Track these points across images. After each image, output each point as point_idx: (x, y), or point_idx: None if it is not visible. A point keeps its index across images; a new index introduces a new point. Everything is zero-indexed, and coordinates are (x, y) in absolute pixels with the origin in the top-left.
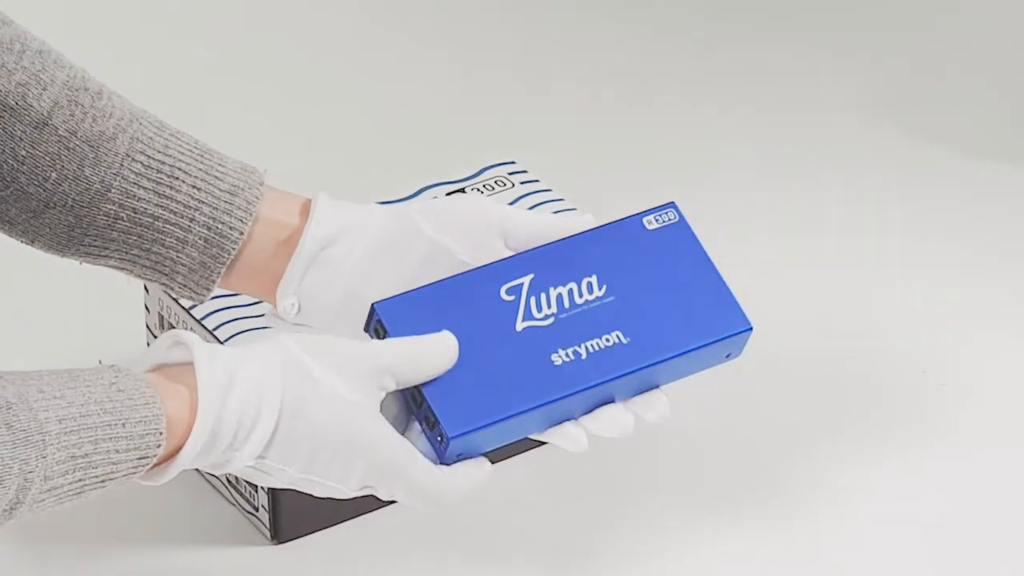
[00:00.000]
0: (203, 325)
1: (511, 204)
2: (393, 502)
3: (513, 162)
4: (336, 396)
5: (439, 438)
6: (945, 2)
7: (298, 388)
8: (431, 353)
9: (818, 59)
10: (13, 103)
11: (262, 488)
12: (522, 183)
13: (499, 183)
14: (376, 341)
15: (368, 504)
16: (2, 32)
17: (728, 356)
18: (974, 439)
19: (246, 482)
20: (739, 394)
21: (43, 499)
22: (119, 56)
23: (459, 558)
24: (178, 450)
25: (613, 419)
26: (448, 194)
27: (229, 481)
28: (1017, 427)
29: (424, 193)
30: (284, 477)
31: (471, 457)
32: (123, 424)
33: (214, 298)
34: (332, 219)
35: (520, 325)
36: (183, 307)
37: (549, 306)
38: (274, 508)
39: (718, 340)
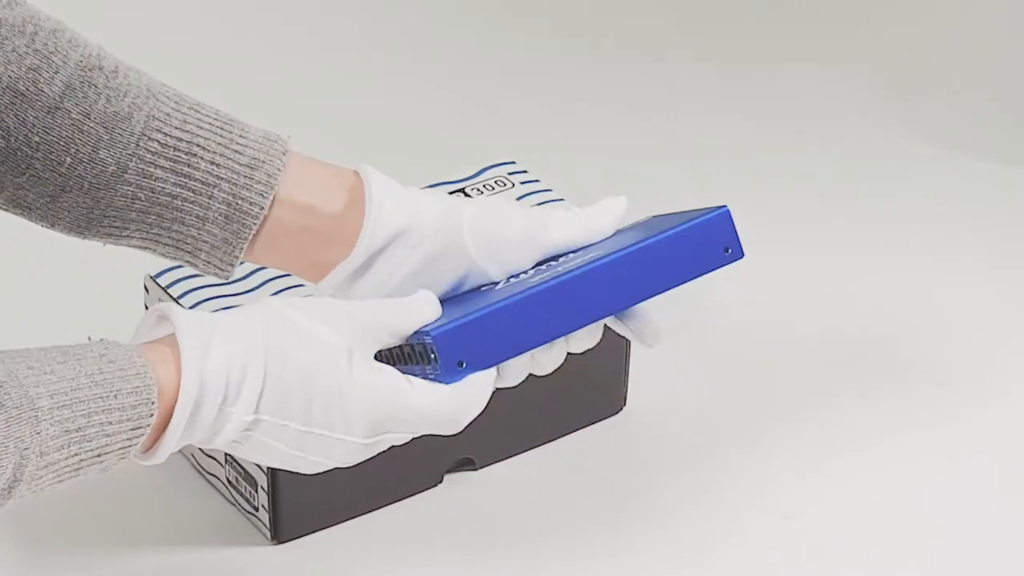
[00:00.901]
0: None
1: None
2: (393, 501)
3: (513, 162)
4: (321, 340)
5: (432, 355)
6: (947, 3)
7: (281, 335)
8: (417, 303)
9: (818, 59)
10: (24, 89)
11: (262, 488)
12: (522, 183)
13: (499, 183)
14: (363, 300)
15: (368, 504)
16: (14, 13)
17: (728, 251)
18: (974, 440)
19: (246, 482)
20: (737, 393)
21: (41, 476)
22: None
23: (459, 558)
24: (171, 417)
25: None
26: (451, 192)
27: (229, 481)
28: (1018, 428)
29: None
30: (287, 437)
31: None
32: (115, 396)
33: (214, 298)
34: (385, 227)
35: (501, 283)
36: (183, 307)
37: (527, 275)
38: (274, 508)
39: (693, 223)
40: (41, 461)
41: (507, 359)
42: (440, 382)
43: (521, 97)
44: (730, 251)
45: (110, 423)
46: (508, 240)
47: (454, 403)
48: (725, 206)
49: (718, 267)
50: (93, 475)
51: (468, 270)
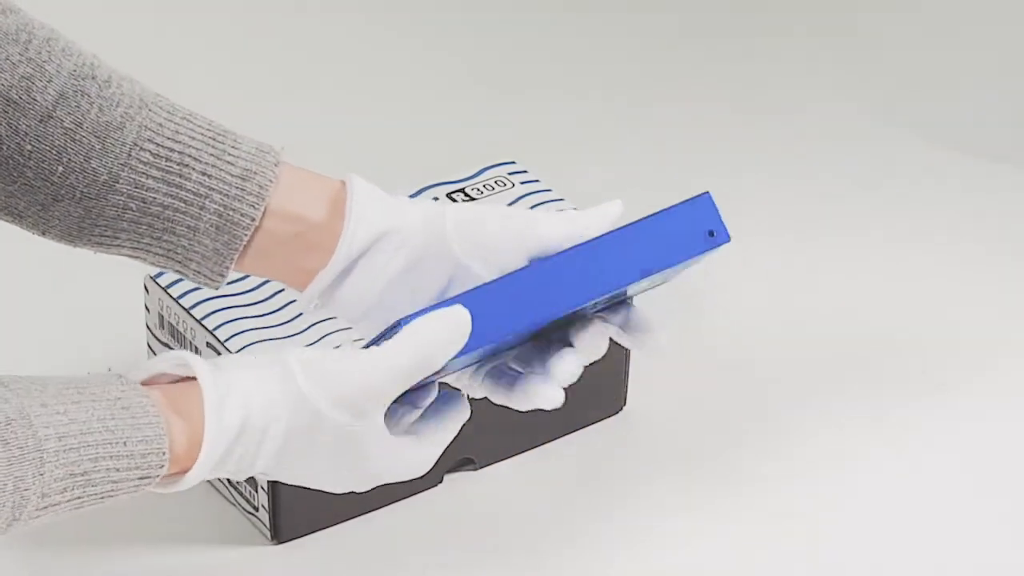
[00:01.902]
0: (203, 325)
1: (512, 204)
2: (393, 502)
3: (513, 162)
4: (339, 428)
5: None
6: (947, 3)
7: (302, 428)
8: (442, 335)
9: (821, 59)
10: (17, 97)
11: (262, 488)
12: (522, 183)
13: (499, 183)
14: (385, 348)
15: (368, 504)
16: (8, 21)
17: (712, 235)
18: (974, 440)
19: (246, 482)
20: (736, 393)
21: (39, 516)
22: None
23: (459, 558)
24: (179, 472)
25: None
26: (451, 192)
27: (229, 481)
28: (1018, 428)
29: (425, 193)
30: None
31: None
32: (124, 443)
33: (214, 298)
34: (365, 230)
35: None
36: (183, 307)
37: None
38: (274, 508)
39: (674, 206)
40: (42, 502)
41: (485, 345)
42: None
43: (521, 97)
44: (715, 235)
45: (117, 469)
46: (493, 236)
47: (423, 463)
48: (707, 192)
49: (705, 251)
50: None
51: (454, 271)
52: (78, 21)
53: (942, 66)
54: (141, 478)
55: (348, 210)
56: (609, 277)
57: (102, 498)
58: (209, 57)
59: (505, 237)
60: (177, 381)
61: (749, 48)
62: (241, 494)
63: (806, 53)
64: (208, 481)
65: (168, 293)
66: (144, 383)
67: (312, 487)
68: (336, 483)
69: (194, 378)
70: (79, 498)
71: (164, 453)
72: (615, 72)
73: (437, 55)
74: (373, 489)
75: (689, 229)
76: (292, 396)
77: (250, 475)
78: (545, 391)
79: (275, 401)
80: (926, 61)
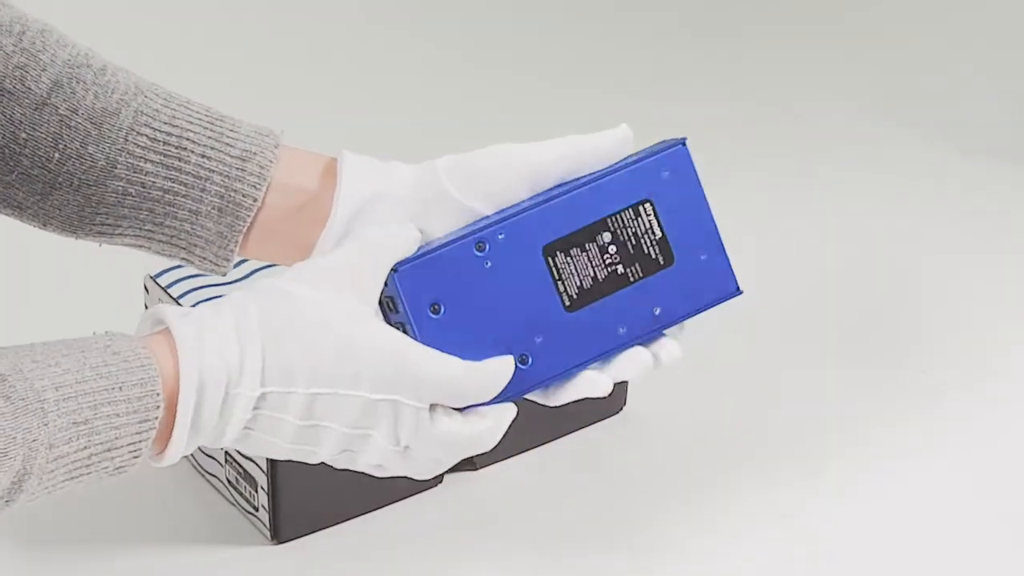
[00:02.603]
0: None
1: None
2: (393, 501)
3: None
4: (315, 301)
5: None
6: (948, 3)
7: (274, 308)
8: (392, 229)
9: (821, 60)
10: (10, 87)
11: (262, 488)
12: None
13: None
14: (341, 247)
15: (368, 504)
16: (1, 14)
17: (678, 145)
18: (974, 439)
19: (246, 482)
20: (736, 393)
21: (52, 469)
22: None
23: (459, 558)
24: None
25: (633, 360)
26: None
27: (229, 481)
28: (1018, 428)
29: None
30: (294, 407)
31: None
32: (120, 388)
33: (214, 298)
34: (359, 191)
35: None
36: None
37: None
38: (274, 508)
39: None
40: (51, 454)
41: (455, 237)
42: (419, 331)
43: (521, 97)
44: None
45: (117, 415)
46: (485, 168)
47: (470, 374)
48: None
49: (666, 150)
50: (108, 476)
51: (458, 215)
52: (76, 23)
53: (942, 66)
54: (141, 422)
55: (339, 177)
56: (583, 178)
57: (108, 449)
58: (209, 57)
59: (496, 166)
60: None
61: (750, 48)
62: (241, 494)
63: (807, 53)
64: (208, 481)
65: (168, 293)
66: None
67: (328, 397)
68: (343, 377)
69: None
70: (86, 448)
71: (158, 394)
72: (615, 72)
73: (438, 56)
74: (373, 488)
75: (661, 148)
76: (254, 290)
77: (250, 383)
78: (598, 378)
79: (235, 293)
80: (926, 61)
